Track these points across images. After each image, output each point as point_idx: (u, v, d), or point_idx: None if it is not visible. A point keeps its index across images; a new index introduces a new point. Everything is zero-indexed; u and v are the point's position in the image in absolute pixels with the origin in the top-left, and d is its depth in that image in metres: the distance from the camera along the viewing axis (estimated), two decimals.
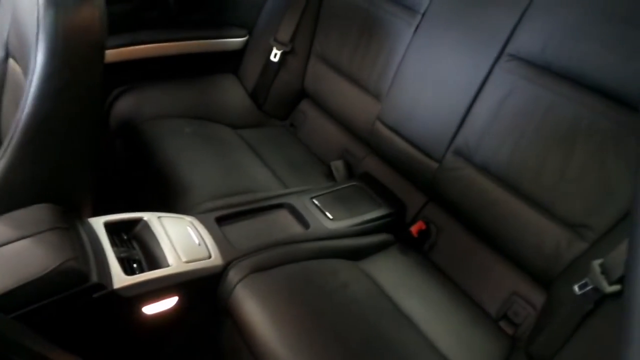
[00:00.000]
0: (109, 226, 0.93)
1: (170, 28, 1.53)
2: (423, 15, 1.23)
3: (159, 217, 1.00)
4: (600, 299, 0.76)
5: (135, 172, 1.39)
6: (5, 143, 0.81)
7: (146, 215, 0.99)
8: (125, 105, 1.47)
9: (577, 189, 0.93)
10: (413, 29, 1.25)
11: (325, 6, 1.52)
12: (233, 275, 0.95)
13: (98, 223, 0.93)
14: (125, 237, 0.96)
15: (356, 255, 1.13)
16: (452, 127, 1.13)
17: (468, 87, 1.11)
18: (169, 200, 1.19)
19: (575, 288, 0.79)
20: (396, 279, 1.10)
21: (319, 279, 1.01)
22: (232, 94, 1.64)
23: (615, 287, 0.72)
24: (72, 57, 0.77)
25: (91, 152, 0.94)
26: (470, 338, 1.01)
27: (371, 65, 1.36)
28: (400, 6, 1.29)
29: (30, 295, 0.71)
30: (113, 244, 0.90)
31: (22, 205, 0.83)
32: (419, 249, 1.22)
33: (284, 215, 1.17)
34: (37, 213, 0.81)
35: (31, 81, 0.78)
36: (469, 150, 1.10)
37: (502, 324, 1.05)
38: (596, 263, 0.78)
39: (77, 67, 0.79)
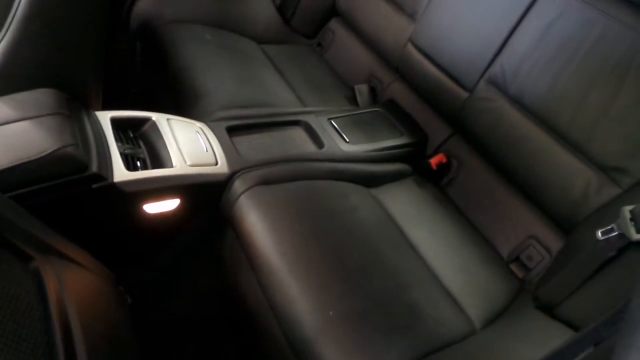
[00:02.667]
0: (115, 122, 0.90)
1: None
2: None
3: (168, 119, 0.96)
4: (624, 248, 0.71)
5: (152, 75, 1.34)
6: (7, 20, 0.77)
7: (155, 116, 0.95)
8: (145, 5, 1.40)
9: (619, 129, 0.84)
10: None
11: None
12: (238, 185, 0.92)
13: (105, 117, 0.90)
14: (132, 135, 0.93)
15: (369, 181, 1.08)
16: (490, 53, 1.03)
17: (513, 8, 1.00)
18: (182, 105, 1.14)
19: (598, 233, 0.74)
20: (408, 210, 1.05)
21: (327, 199, 0.97)
22: (258, 4, 1.53)
23: None
24: None
25: (103, 43, 0.89)
26: (477, 276, 0.97)
27: None
28: None
29: (25, 177, 0.69)
30: (118, 139, 0.87)
31: (25, 88, 0.79)
32: (437, 183, 1.16)
33: (298, 133, 1.12)
34: (40, 97, 0.78)
35: None
36: (504, 80, 1.00)
37: (513, 266, 1.01)
38: (627, 209, 0.71)
39: None
